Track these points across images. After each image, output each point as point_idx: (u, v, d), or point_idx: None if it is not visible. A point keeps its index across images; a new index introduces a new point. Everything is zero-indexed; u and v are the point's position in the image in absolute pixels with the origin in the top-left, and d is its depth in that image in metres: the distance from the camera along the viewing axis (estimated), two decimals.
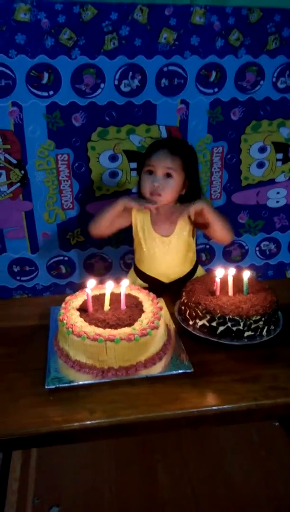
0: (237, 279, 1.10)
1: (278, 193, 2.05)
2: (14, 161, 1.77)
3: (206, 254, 2.12)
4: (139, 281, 1.44)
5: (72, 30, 1.61)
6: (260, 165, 1.99)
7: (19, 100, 1.68)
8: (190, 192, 1.34)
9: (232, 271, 1.09)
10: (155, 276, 1.39)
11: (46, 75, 1.65)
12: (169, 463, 1.50)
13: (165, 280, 1.39)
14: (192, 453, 1.53)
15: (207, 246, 2.10)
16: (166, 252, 1.35)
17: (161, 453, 1.52)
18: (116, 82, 1.72)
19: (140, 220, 1.37)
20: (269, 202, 2.06)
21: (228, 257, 2.15)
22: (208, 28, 1.73)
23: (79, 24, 1.61)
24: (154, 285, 1.38)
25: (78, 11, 1.59)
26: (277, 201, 2.07)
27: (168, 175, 1.28)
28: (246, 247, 2.14)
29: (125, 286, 1.05)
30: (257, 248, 2.15)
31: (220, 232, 1.30)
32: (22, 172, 1.79)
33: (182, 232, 1.35)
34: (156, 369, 0.96)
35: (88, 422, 0.84)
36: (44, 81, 1.67)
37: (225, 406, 0.87)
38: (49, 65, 1.64)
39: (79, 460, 1.50)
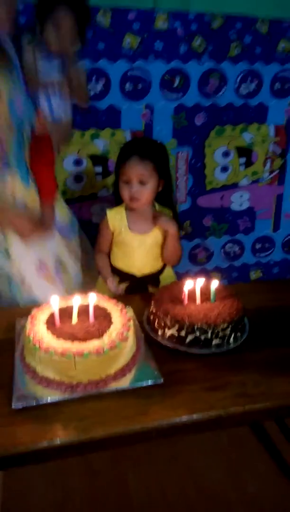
0: (204, 287, 1.11)
1: (241, 196, 2.10)
2: None
3: None
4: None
5: None
6: (224, 169, 2.02)
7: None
8: (165, 189, 1.42)
9: (200, 280, 1.10)
10: (129, 271, 1.45)
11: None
12: (140, 470, 1.50)
13: (138, 274, 1.45)
14: (162, 458, 1.54)
15: None
16: (142, 248, 1.42)
17: (131, 459, 1.52)
18: None
19: (116, 222, 1.42)
20: (233, 206, 2.11)
21: (194, 259, 2.18)
22: (171, 33, 1.74)
23: None
24: (126, 280, 1.45)
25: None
26: (241, 204, 2.12)
27: (142, 182, 1.32)
28: (211, 250, 2.18)
29: (94, 298, 1.04)
30: (222, 250, 2.19)
31: (167, 254, 1.45)
32: None
33: (157, 231, 1.41)
34: (126, 381, 0.95)
35: (58, 441, 0.82)
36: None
37: (194, 416, 0.88)
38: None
39: (47, 473, 1.47)
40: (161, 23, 1.72)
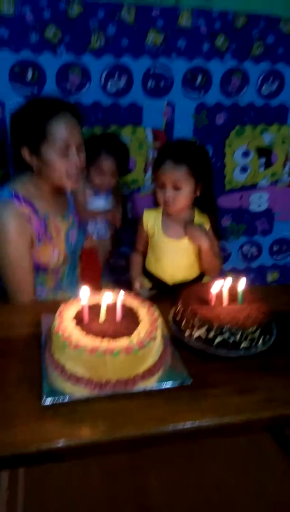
0: (231, 288, 1.10)
1: (260, 197, 2.08)
2: None
3: None
4: (145, 281, 1.48)
5: (58, 27, 1.57)
6: (244, 169, 2.01)
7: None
8: (205, 194, 1.36)
9: (228, 281, 1.09)
10: (161, 277, 1.42)
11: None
12: (160, 471, 1.49)
13: (170, 281, 1.41)
14: (180, 458, 1.53)
15: None
16: (175, 254, 1.38)
17: (149, 458, 1.51)
18: (102, 82, 1.69)
19: (150, 223, 1.40)
20: (252, 206, 2.10)
21: None
22: (194, 31, 1.72)
23: (65, 21, 1.56)
24: (158, 286, 1.42)
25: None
26: (259, 205, 2.10)
27: (176, 187, 1.29)
28: (229, 251, 2.16)
29: (122, 296, 1.03)
30: (239, 252, 2.18)
31: (203, 265, 1.40)
32: None
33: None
34: (154, 381, 0.95)
35: (89, 439, 0.82)
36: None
37: (224, 419, 0.87)
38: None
39: (66, 472, 1.47)
40: (184, 20, 1.71)
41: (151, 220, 1.41)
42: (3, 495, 1.36)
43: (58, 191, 1.40)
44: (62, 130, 1.25)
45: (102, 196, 1.73)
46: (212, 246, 1.34)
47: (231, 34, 1.77)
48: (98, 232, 1.74)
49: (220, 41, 1.77)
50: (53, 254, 1.38)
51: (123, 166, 1.68)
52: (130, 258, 1.50)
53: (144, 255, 1.49)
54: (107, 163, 1.62)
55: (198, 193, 1.34)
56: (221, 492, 1.44)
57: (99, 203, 1.73)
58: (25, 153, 1.28)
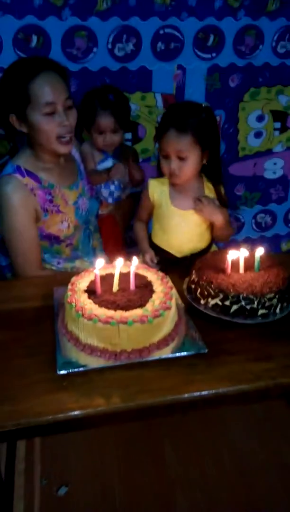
0: (248, 255, 1.07)
1: (275, 164, 2.01)
2: None
3: None
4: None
5: None
6: (258, 134, 1.93)
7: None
8: (212, 161, 1.29)
9: (244, 249, 1.06)
10: (168, 250, 1.36)
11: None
12: (175, 440, 1.51)
13: (178, 254, 1.36)
14: (196, 426, 1.55)
15: None
16: (183, 226, 1.32)
17: (166, 429, 1.53)
18: (110, 46, 1.62)
19: (157, 194, 1.34)
20: (266, 173, 2.03)
21: None
22: None
23: None
24: (165, 259, 1.36)
25: None
26: (274, 172, 2.03)
27: (181, 158, 1.22)
28: (242, 220, 2.11)
29: (135, 265, 1.01)
30: (253, 221, 2.13)
31: (216, 236, 1.38)
32: None
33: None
34: (169, 350, 0.94)
35: (105, 408, 0.82)
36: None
37: (242, 386, 0.86)
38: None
39: (84, 438, 1.49)
40: None
41: (157, 190, 1.34)
42: (21, 464, 1.39)
43: (64, 159, 1.39)
44: (44, 90, 1.21)
45: (110, 157, 1.61)
46: (225, 219, 1.29)
47: None
48: (113, 195, 1.63)
49: None
50: (62, 224, 1.38)
51: (123, 119, 1.54)
52: (135, 229, 1.43)
53: (146, 224, 1.45)
54: (104, 120, 1.49)
55: (205, 161, 1.27)
56: (237, 460, 1.45)
57: (107, 164, 1.59)
58: (14, 121, 1.26)
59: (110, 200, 1.63)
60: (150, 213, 1.40)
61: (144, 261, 1.31)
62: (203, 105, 1.25)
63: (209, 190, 1.34)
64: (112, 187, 1.61)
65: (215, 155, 1.29)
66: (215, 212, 1.26)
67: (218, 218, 1.27)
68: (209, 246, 1.40)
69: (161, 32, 1.65)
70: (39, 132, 1.25)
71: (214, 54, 1.74)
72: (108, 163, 1.60)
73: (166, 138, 1.22)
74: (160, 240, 1.38)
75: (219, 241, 1.43)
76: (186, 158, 1.22)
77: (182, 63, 1.72)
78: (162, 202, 1.33)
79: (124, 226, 1.72)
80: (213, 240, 1.42)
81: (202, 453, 1.47)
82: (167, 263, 1.32)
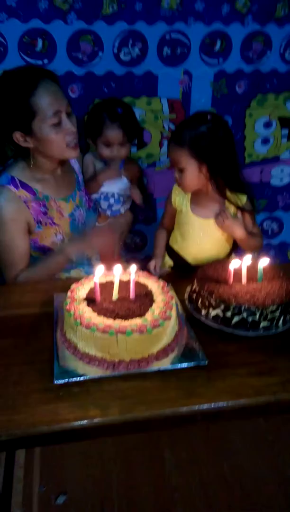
0: (251, 265, 1.05)
1: (282, 170, 1.99)
2: None
3: None
4: (167, 258, 1.44)
5: None
6: (265, 141, 1.91)
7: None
8: (221, 173, 1.25)
9: (247, 258, 1.04)
10: (184, 256, 1.38)
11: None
12: (176, 448, 1.49)
13: (193, 261, 1.36)
14: (198, 439, 1.53)
15: None
16: (201, 234, 1.32)
17: (167, 438, 1.51)
18: (115, 50, 1.61)
19: (179, 200, 1.36)
20: (273, 180, 2.01)
21: None
22: None
23: None
24: (179, 265, 1.38)
25: None
26: (281, 179, 2.01)
27: (180, 169, 1.25)
28: None
29: (134, 273, 0.99)
30: (259, 228, 2.11)
31: (244, 247, 1.32)
32: None
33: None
34: (169, 361, 0.92)
35: (101, 420, 0.80)
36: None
37: (242, 401, 0.84)
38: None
39: (83, 447, 1.48)
40: None
41: (180, 196, 1.36)
42: (19, 471, 1.38)
43: (62, 170, 1.38)
44: (48, 101, 1.20)
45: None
46: (247, 234, 1.27)
47: None
48: (112, 208, 1.60)
49: (240, 2, 1.66)
50: (56, 237, 1.37)
51: (131, 133, 1.51)
52: (155, 235, 1.45)
53: (170, 232, 1.45)
54: (112, 133, 1.46)
55: (205, 173, 1.25)
56: (237, 472, 1.43)
57: (111, 182, 1.56)
58: (19, 138, 1.25)
59: (108, 213, 1.61)
60: (173, 219, 1.40)
61: (147, 267, 1.31)
62: (209, 117, 1.22)
63: (231, 200, 1.30)
64: (112, 200, 1.59)
65: (218, 167, 1.24)
66: (235, 226, 1.25)
67: (238, 232, 1.26)
68: (227, 257, 1.37)
69: (167, 37, 1.64)
70: (49, 144, 1.24)
71: (221, 60, 1.72)
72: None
73: (169, 150, 1.29)
74: (178, 245, 1.40)
75: (248, 251, 1.34)
76: (184, 170, 1.24)
77: (188, 68, 1.71)
78: (182, 208, 1.35)
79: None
80: (233, 251, 1.41)
81: (202, 462, 1.45)
82: (180, 269, 1.33)
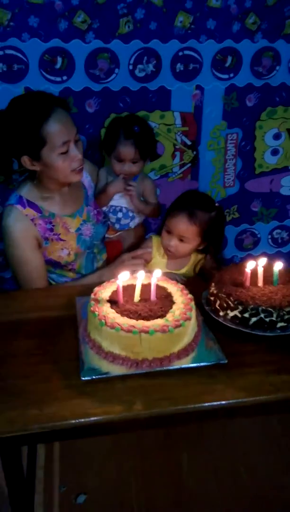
0: (266, 270, 1.09)
1: None
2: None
3: None
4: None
5: (86, 13, 1.56)
6: (275, 152, 1.97)
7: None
8: (213, 249, 1.41)
9: (262, 261, 1.08)
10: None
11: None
12: (192, 450, 1.51)
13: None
14: (213, 440, 1.55)
15: None
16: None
17: (183, 440, 1.53)
18: (131, 67, 1.68)
19: (157, 252, 1.45)
20: (283, 190, 2.05)
21: (239, 245, 2.14)
22: (224, 11, 1.68)
23: (93, 6, 1.56)
24: None
25: None
26: None
27: (182, 240, 1.33)
28: (259, 235, 2.13)
29: (157, 276, 1.04)
30: (269, 236, 2.15)
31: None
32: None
33: (191, 267, 1.42)
34: (189, 360, 0.96)
35: (127, 414, 0.84)
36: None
37: (262, 397, 0.87)
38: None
39: (102, 447, 1.50)
40: (214, 0, 1.67)
41: (159, 250, 1.44)
42: (40, 472, 1.40)
43: (69, 186, 1.43)
44: (58, 131, 1.23)
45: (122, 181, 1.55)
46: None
47: (262, 12, 1.72)
48: (120, 222, 1.60)
49: (250, 20, 1.73)
50: (62, 251, 1.43)
51: (145, 150, 1.50)
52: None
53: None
54: (125, 149, 1.46)
55: (201, 247, 1.38)
56: (254, 477, 1.44)
57: (120, 195, 1.56)
58: (26, 162, 1.29)
59: (117, 227, 1.63)
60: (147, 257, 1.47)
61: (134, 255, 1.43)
62: (217, 205, 1.37)
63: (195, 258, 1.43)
64: (120, 214, 1.59)
65: (215, 247, 1.41)
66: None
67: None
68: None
69: (181, 53, 1.71)
70: (55, 170, 1.29)
71: (231, 75, 1.79)
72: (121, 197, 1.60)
73: (176, 219, 1.32)
74: None
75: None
76: (186, 241, 1.33)
77: (200, 83, 1.77)
78: (157, 259, 1.44)
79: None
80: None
81: (218, 464, 1.47)
82: None
